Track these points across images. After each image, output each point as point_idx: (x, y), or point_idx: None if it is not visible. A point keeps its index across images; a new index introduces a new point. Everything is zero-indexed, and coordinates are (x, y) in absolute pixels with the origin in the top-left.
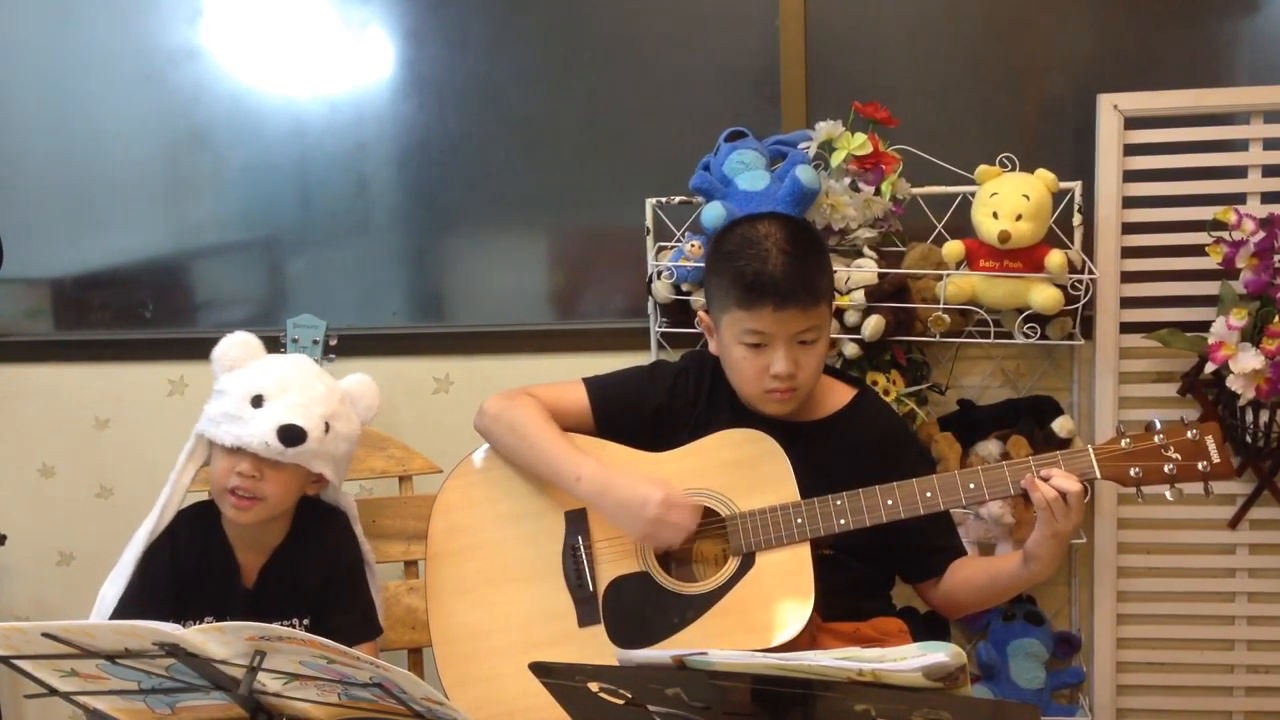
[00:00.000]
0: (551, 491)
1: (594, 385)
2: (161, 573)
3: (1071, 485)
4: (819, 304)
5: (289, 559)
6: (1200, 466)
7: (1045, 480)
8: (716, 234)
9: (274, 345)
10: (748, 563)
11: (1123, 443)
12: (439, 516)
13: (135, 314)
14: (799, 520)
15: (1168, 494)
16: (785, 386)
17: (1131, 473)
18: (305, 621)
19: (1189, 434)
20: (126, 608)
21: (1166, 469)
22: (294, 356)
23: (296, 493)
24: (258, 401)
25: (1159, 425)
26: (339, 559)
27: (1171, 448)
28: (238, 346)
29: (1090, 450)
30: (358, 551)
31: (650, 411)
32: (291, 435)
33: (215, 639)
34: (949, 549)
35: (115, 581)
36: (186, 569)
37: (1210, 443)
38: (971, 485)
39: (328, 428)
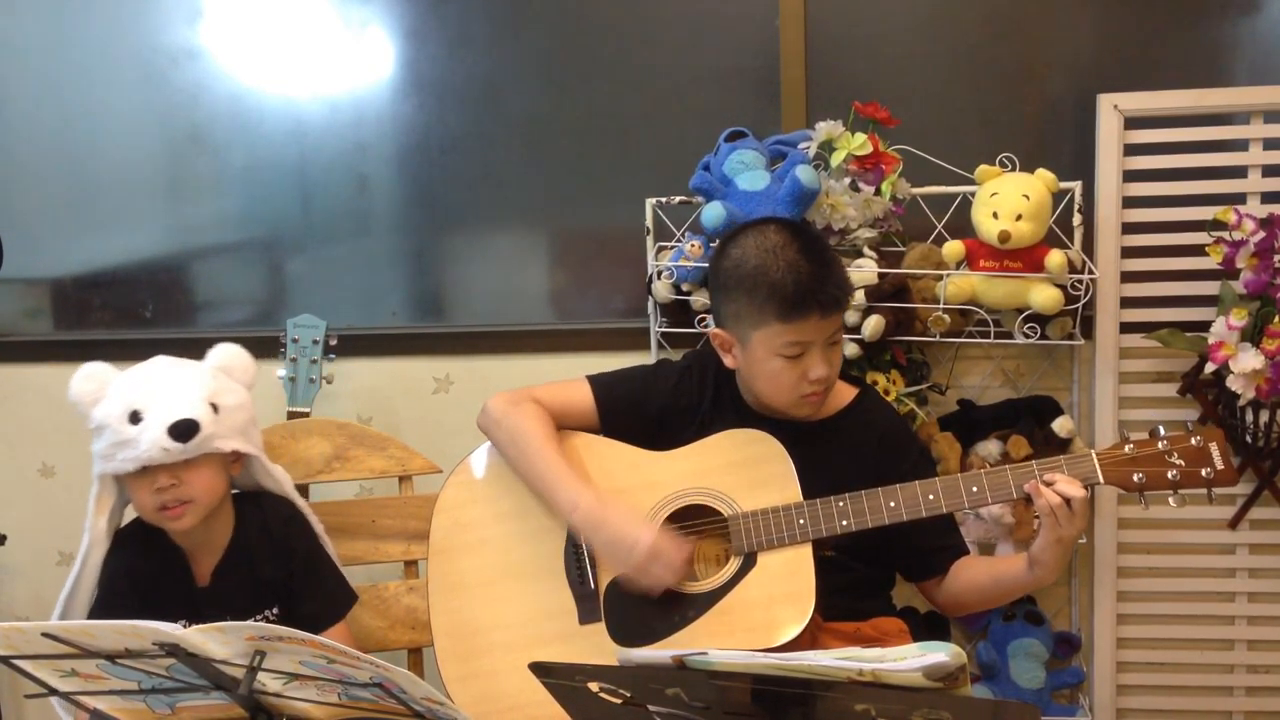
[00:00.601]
0: None
1: (599, 384)
2: (122, 586)
3: (1075, 491)
4: (849, 303)
5: (241, 554)
6: (1204, 473)
7: (1049, 485)
8: (719, 251)
9: (274, 345)
10: (749, 563)
11: (1126, 448)
12: (441, 513)
13: (135, 314)
14: (801, 521)
15: (1171, 501)
16: (821, 389)
17: (1135, 478)
18: (274, 611)
19: (1193, 440)
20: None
21: (1170, 475)
22: (147, 364)
23: (222, 479)
24: (135, 418)
25: (1163, 431)
26: (293, 549)
27: (1175, 454)
28: (88, 380)
29: (1094, 455)
30: (309, 534)
31: (655, 411)
32: (183, 429)
33: (215, 639)
34: (951, 548)
35: (60, 608)
36: (142, 576)
37: (1214, 449)
38: (974, 488)
39: (215, 408)
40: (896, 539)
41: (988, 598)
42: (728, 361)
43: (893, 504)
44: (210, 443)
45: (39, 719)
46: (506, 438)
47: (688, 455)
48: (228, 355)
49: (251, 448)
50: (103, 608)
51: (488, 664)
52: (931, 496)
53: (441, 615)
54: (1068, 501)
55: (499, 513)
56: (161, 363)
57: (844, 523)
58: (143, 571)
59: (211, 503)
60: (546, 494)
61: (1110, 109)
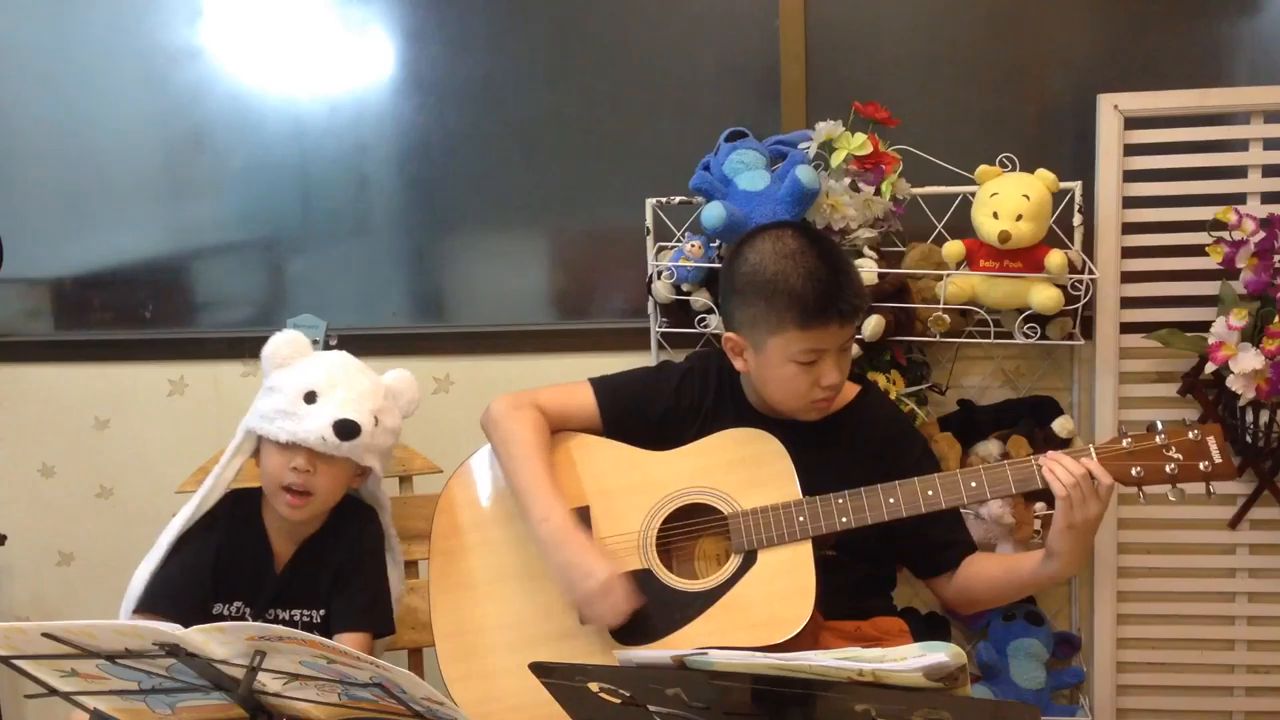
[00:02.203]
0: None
1: (601, 386)
2: (203, 553)
3: (1096, 467)
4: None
5: (317, 549)
6: (1202, 467)
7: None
8: (733, 256)
9: None
10: (749, 560)
11: (1124, 442)
12: (443, 513)
13: (135, 314)
14: (800, 518)
15: (1170, 495)
16: (832, 394)
17: (1133, 472)
18: (322, 612)
19: (1190, 434)
20: (164, 584)
21: (1168, 469)
22: (339, 353)
23: (344, 486)
24: (311, 398)
25: (1161, 426)
26: (356, 546)
27: (1173, 448)
28: (288, 344)
29: (1092, 449)
30: (379, 542)
31: (657, 413)
32: (347, 429)
33: (215, 639)
34: (960, 543)
35: (148, 564)
36: (225, 552)
37: (1212, 443)
38: (973, 484)
39: (376, 421)
40: (905, 536)
41: (1000, 591)
42: (738, 365)
43: (892, 501)
44: (360, 451)
45: (39, 719)
46: (499, 440)
47: (687, 454)
48: (401, 380)
49: (380, 470)
50: (173, 575)
51: (488, 664)
52: (930, 493)
53: (442, 616)
54: (1089, 474)
55: (500, 513)
56: (349, 359)
57: (843, 520)
58: (227, 546)
59: (329, 503)
60: (523, 502)
61: (1110, 109)
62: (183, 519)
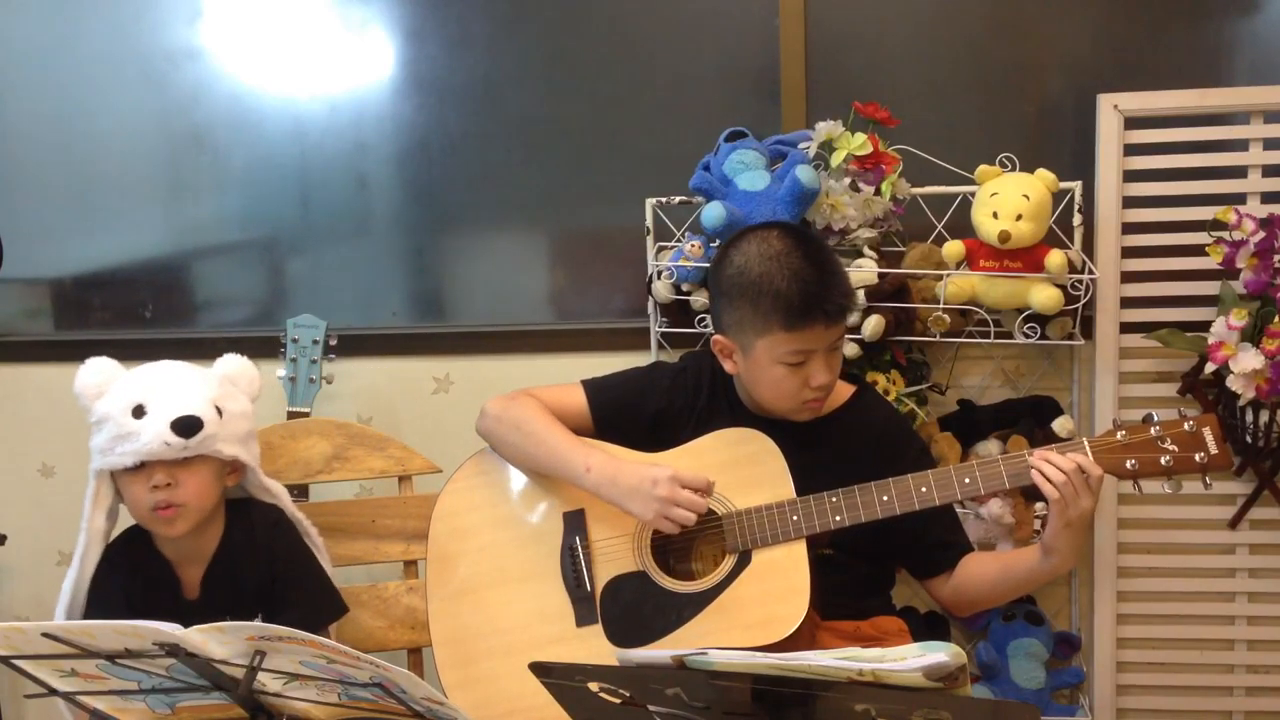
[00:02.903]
0: (550, 493)
1: (593, 387)
2: (114, 602)
3: (1084, 460)
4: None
5: (227, 563)
6: (1198, 458)
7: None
8: (720, 257)
9: (274, 345)
10: (744, 560)
11: (1118, 435)
12: (439, 520)
13: (135, 314)
14: (795, 518)
15: (1165, 486)
16: (823, 395)
17: (1127, 465)
18: (259, 620)
19: (1185, 425)
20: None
21: (1163, 461)
22: (155, 364)
23: (217, 487)
24: (139, 411)
25: (1156, 418)
26: (274, 555)
27: (1168, 439)
28: (95, 374)
29: (1085, 442)
30: (294, 539)
31: (649, 414)
32: (186, 425)
33: (215, 639)
34: (957, 544)
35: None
36: (134, 595)
37: (1207, 434)
38: (967, 480)
39: (220, 411)
40: (901, 536)
41: (998, 591)
42: (728, 367)
43: (886, 498)
44: (212, 443)
45: (39, 719)
46: (510, 428)
47: (681, 455)
48: (234, 365)
49: (250, 459)
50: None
51: (486, 668)
52: (924, 489)
53: (440, 622)
54: (1079, 468)
55: (496, 518)
56: (168, 363)
57: (837, 518)
58: (134, 589)
59: (204, 509)
60: (557, 466)
61: (1110, 109)
62: (70, 582)
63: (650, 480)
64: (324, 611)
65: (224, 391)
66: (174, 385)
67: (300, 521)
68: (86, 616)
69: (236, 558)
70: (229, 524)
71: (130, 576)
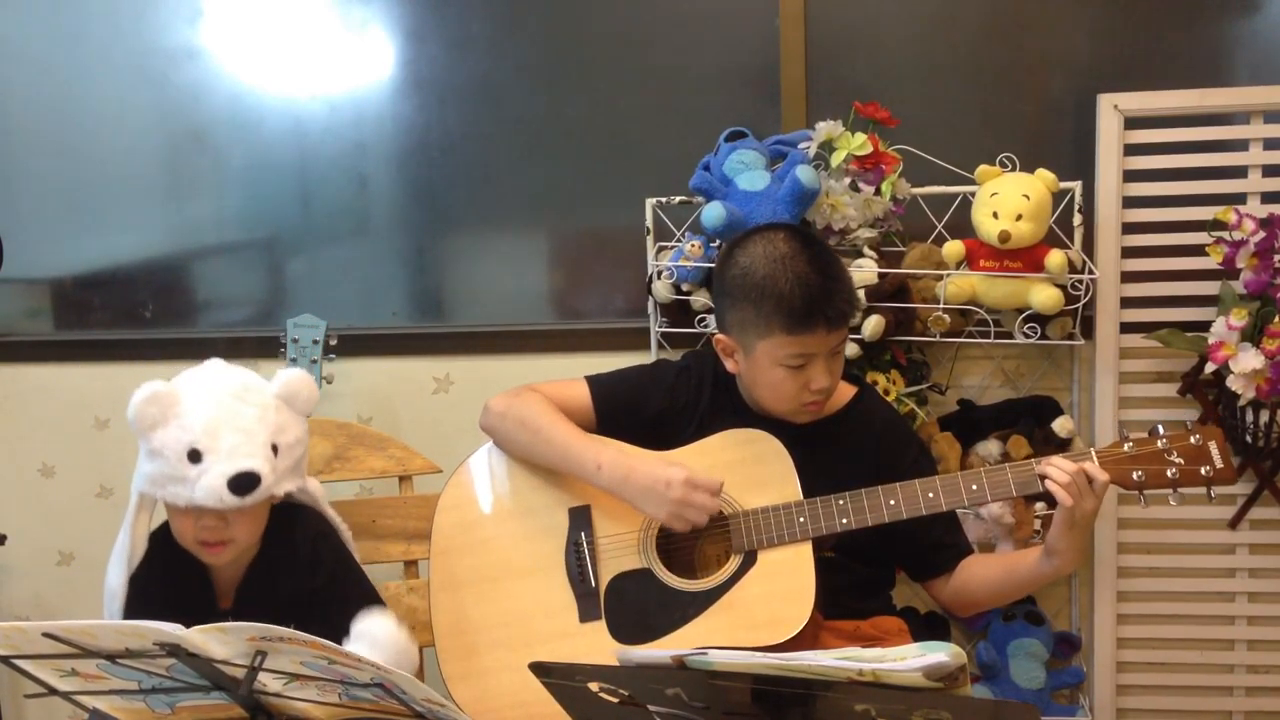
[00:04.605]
0: (555, 488)
1: (597, 384)
2: (153, 604)
3: (1088, 463)
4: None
5: (264, 571)
6: (1203, 471)
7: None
8: (725, 256)
9: (274, 345)
10: (749, 561)
11: (1125, 446)
12: (443, 513)
13: (135, 314)
14: (801, 519)
15: (1171, 499)
16: (823, 398)
17: (1134, 476)
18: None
19: (1192, 439)
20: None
21: (1169, 473)
22: (212, 384)
23: (265, 517)
24: (195, 456)
25: (1162, 430)
26: (318, 565)
27: (1174, 452)
28: (151, 404)
29: (1093, 453)
30: (338, 549)
31: (652, 412)
32: (243, 484)
33: (216, 639)
34: (956, 546)
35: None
36: (168, 599)
37: (1213, 448)
38: (974, 486)
39: (275, 450)
40: (900, 538)
41: (1000, 592)
42: (729, 366)
43: (892, 502)
44: (266, 493)
45: (39, 719)
46: (515, 425)
47: (688, 455)
48: (293, 384)
49: (301, 482)
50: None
51: (488, 661)
52: (931, 495)
53: (442, 615)
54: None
55: (500, 512)
56: (224, 390)
57: (844, 521)
58: (170, 592)
59: (252, 539)
60: (567, 462)
61: (1110, 109)
62: (119, 577)
63: (664, 481)
64: (376, 597)
65: (281, 421)
66: (233, 431)
67: (333, 519)
68: (127, 608)
69: (275, 567)
70: (269, 530)
71: (167, 579)
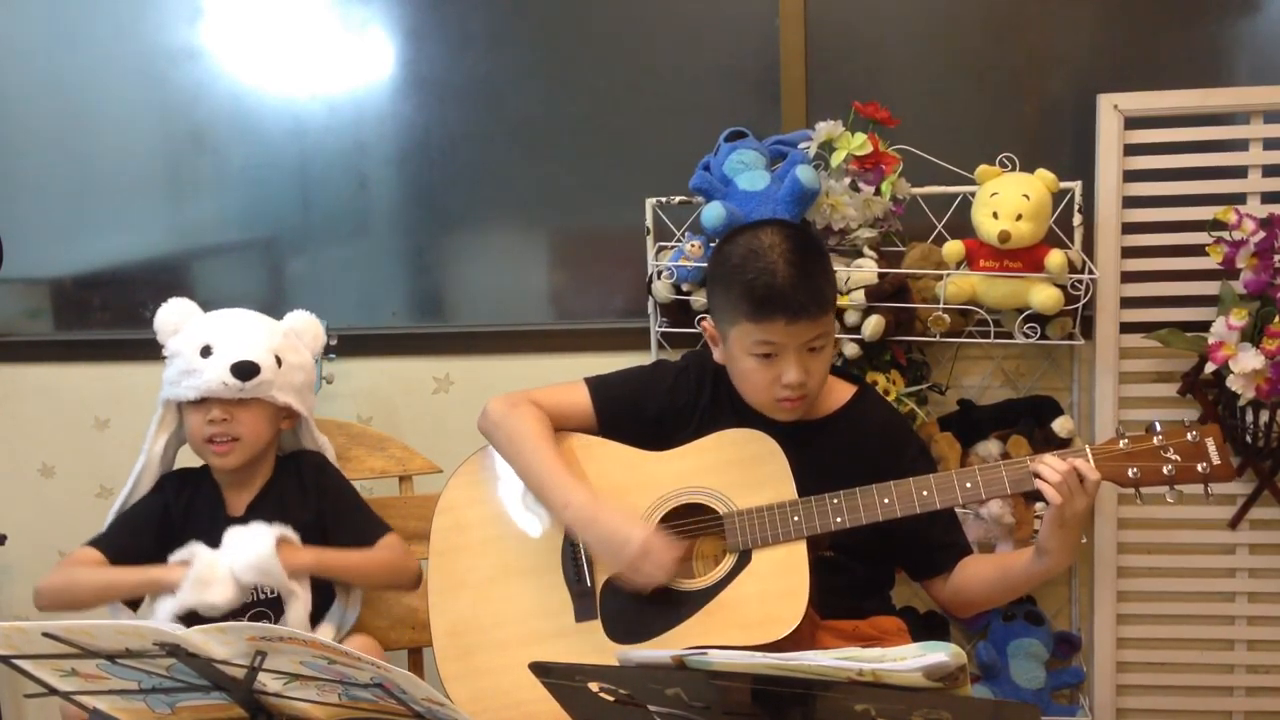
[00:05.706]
0: None
1: (596, 386)
2: (150, 514)
3: (1079, 461)
4: (827, 313)
5: (275, 495)
6: (1200, 468)
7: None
8: (718, 243)
9: None
10: (744, 560)
11: (1121, 443)
12: (442, 514)
13: (135, 314)
14: (796, 518)
15: (1167, 496)
16: (796, 395)
17: (1130, 473)
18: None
19: (1188, 435)
20: (117, 525)
21: (1165, 470)
22: (231, 310)
23: (270, 429)
24: (206, 351)
25: (1159, 427)
26: (324, 491)
27: (1171, 449)
28: (175, 312)
29: (1088, 450)
30: (338, 477)
31: (652, 412)
32: (245, 370)
33: (216, 639)
34: (955, 546)
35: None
36: (174, 510)
37: (1210, 444)
38: (969, 484)
39: (279, 361)
40: (899, 537)
41: (994, 592)
42: (716, 356)
43: (887, 501)
44: (268, 389)
45: (39, 719)
46: (504, 439)
47: (684, 455)
48: (301, 320)
49: (303, 408)
50: (121, 526)
51: (485, 661)
52: (926, 493)
53: (441, 615)
54: (1075, 470)
55: (499, 513)
56: (241, 312)
57: (838, 520)
58: (175, 506)
59: (257, 446)
60: (541, 492)
61: (1110, 109)
62: (122, 500)
63: (623, 539)
64: (373, 531)
65: (287, 343)
66: (240, 332)
67: (342, 474)
68: (117, 521)
69: (285, 495)
70: (278, 471)
71: (176, 495)
